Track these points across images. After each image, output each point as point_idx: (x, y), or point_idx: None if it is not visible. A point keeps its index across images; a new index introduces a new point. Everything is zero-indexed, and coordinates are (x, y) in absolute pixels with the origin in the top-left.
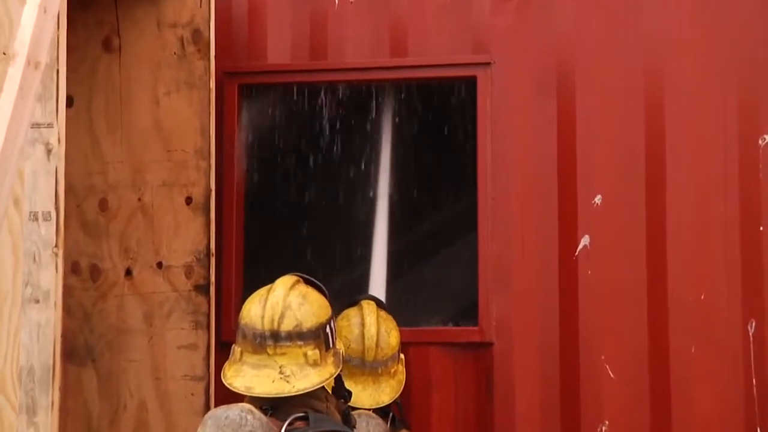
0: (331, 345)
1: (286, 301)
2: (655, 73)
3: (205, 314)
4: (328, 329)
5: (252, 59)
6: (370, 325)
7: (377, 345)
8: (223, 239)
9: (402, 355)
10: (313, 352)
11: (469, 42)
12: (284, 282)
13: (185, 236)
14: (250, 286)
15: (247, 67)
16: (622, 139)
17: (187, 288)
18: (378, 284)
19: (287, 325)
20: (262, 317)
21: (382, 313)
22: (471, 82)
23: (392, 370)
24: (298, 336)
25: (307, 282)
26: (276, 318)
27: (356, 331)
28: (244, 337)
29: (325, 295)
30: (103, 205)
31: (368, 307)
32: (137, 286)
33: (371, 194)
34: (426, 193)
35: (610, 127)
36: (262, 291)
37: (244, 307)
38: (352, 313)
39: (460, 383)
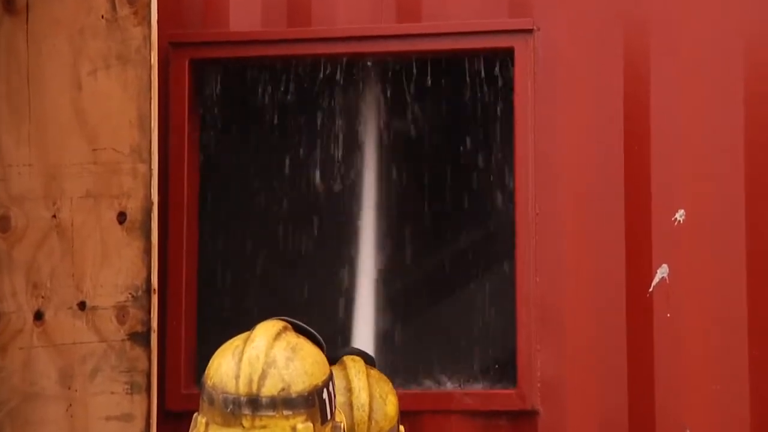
0: (328, 416)
1: (269, 355)
2: (759, 43)
3: (144, 373)
4: (325, 394)
5: (208, 25)
6: (360, 390)
7: (370, 417)
8: (169, 270)
9: (402, 428)
10: (304, 426)
11: (504, 2)
12: (267, 329)
13: (117, 266)
14: (207, 335)
15: (202, 35)
16: (712, 133)
17: (120, 337)
18: (365, 329)
19: (271, 389)
20: (237, 377)
21: (374, 373)
22: (507, 56)
23: None
24: (284, 403)
25: (298, 329)
26: (255, 378)
27: (341, 399)
28: (212, 403)
29: (321, 348)
30: (4, 223)
31: (355, 366)
32: (51, 335)
33: (366, 208)
34: (443, 208)
35: (697, 117)
36: (237, 341)
37: (212, 362)
38: (333, 374)
39: None
